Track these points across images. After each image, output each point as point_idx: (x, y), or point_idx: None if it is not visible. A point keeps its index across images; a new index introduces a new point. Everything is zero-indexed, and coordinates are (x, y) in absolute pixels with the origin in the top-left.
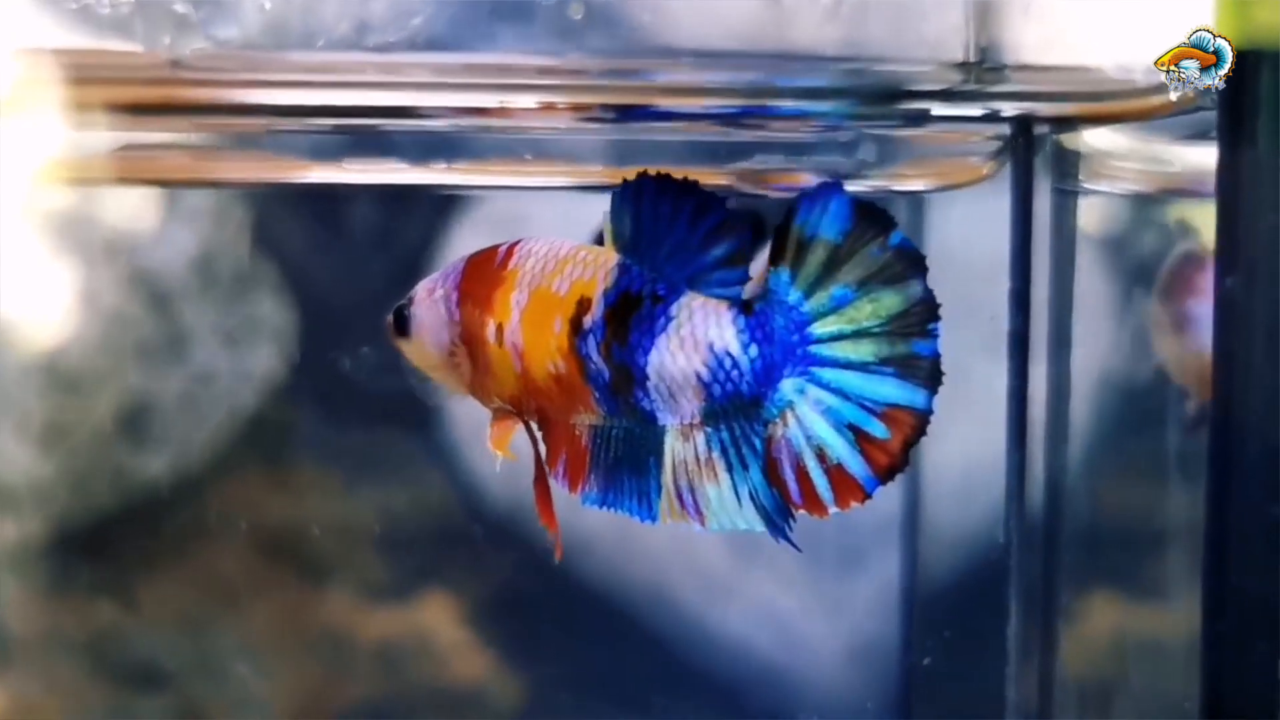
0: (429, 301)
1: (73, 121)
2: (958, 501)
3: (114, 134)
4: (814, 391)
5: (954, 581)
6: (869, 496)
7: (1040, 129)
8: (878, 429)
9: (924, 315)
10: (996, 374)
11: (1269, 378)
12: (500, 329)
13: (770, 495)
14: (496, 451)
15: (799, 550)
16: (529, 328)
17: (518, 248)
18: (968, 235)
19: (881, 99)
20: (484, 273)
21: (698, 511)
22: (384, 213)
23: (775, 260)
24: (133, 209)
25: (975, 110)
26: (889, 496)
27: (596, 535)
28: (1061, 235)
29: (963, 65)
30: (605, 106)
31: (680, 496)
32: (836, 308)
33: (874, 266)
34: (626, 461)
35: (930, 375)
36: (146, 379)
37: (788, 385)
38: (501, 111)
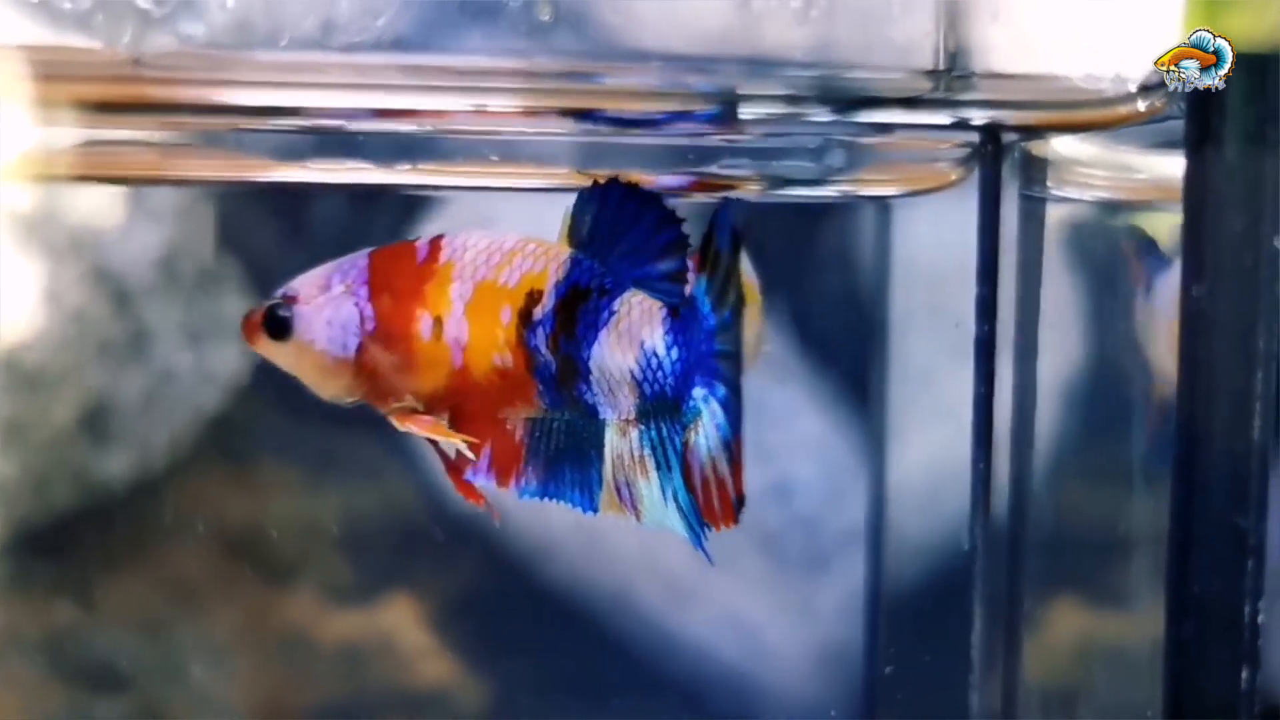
0: (324, 299)
1: (33, 119)
2: (922, 507)
3: (76, 131)
4: (713, 404)
5: (919, 587)
6: (736, 521)
7: (1009, 137)
8: (735, 455)
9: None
10: (961, 380)
11: (1234, 385)
12: (439, 322)
13: (688, 499)
14: (454, 440)
15: (711, 563)
16: (475, 320)
17: (444, 241)
18: (935, 241)
19: (849, 107)
20: (403, 267)
21: (634, 506)
22: (349, 212)
23: (699, 267)
24: (95, 206)
25: (944, 118)
26: (855, 501)
27: (561, 538)
28: (1028, 241)
29: (931, 73)
30: (564, 110)
31: (619, 490)
32: (726, 326)
33: (737, 293)
34: (569, 453)
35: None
36: (108, 377)
37: (698, 393)
38: (461, 114)
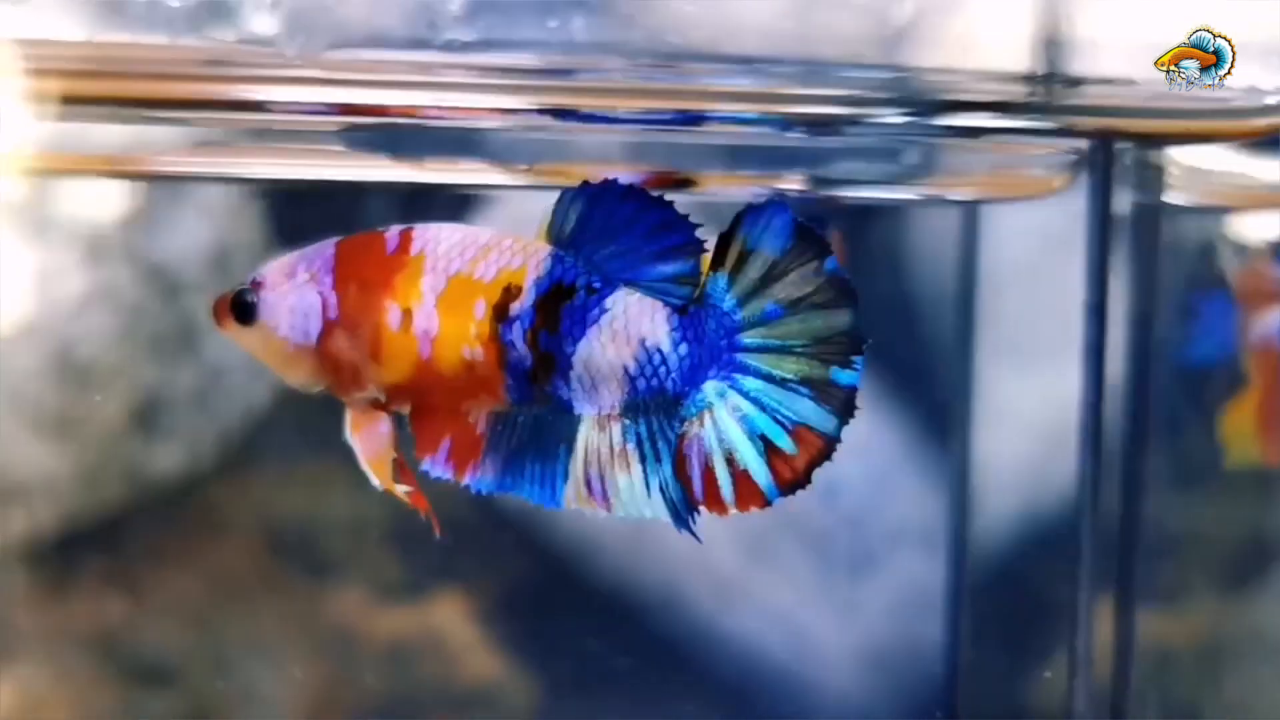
0: (288, 286)
1: (88, 115)
2: (1004, 508)
3: (131, 128)
4: (734, 397)
5: (995, 589)
6: (769, 504)
7: (1122, 145)
8: (786, 444)
9: (847, 346)
10: (1050, 382)
11: None
12: (408, 314)
13: (679, 488)
14: (394, 492)
15: (700, 541)
16: (446, 313)
17: (414, 233)
18: (1037, 246)
19: (944, 111)
20: (371, 258)
21: (605, 499)
22: (399, 209)
23: (715, 265)
24: (146, 202)
25: (1049, 125)
26: (936, 503)
27: (608, 536)
28: (1139, 248)
29: (1036, 77)
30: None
31: (589, 484)
32: (766, 321)
33: (805, 289)
34: (531, 448)
35: (844, 405)
36: (160, 373)
37: (710, 387)
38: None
